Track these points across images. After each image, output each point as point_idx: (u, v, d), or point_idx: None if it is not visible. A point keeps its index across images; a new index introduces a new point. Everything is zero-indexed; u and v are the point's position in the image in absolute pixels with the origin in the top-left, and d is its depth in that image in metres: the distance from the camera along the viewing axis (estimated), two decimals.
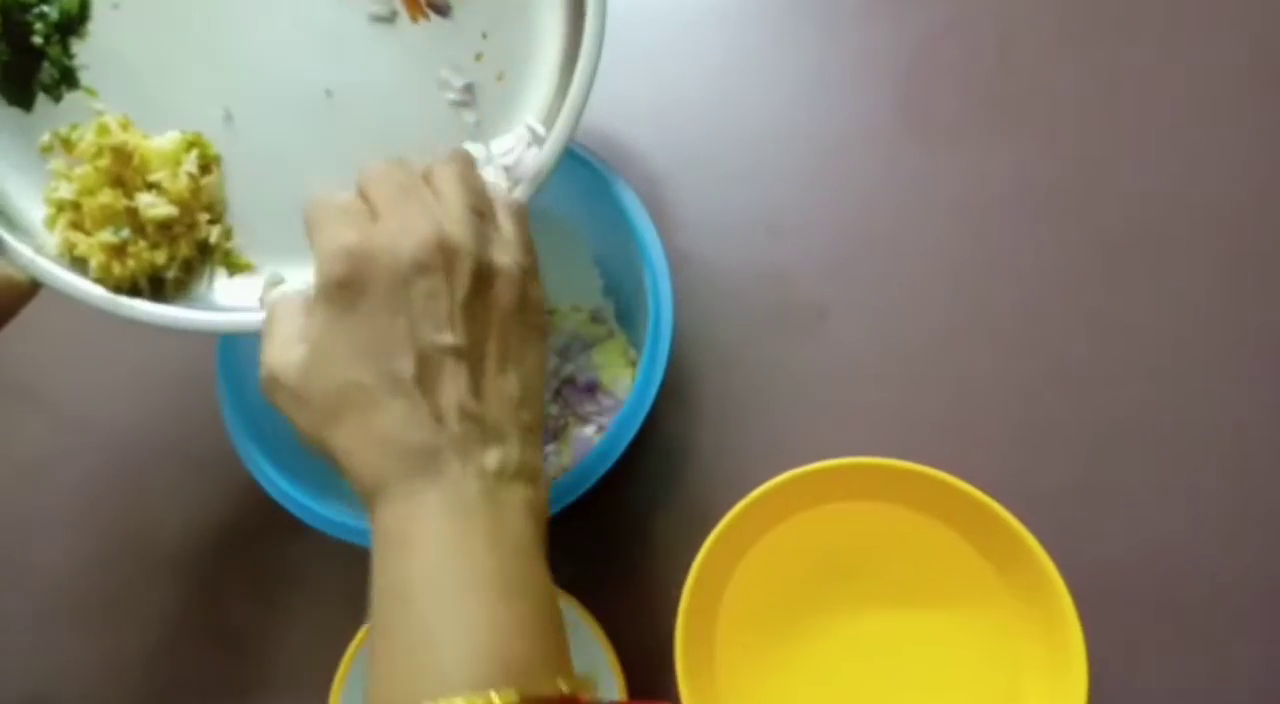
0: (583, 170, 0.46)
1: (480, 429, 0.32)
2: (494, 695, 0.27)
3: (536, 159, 0.37)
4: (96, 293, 0.37)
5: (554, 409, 0.50)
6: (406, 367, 0.31)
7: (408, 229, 0.31)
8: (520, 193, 0.37)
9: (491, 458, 0.32)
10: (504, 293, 0.33)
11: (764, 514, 0.45)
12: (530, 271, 0.34)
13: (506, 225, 0.34)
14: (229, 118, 0.38)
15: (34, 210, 0.37)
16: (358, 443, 0.31)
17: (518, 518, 0.32)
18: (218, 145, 0.38)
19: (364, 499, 0.32)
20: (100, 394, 0.57)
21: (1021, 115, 0.55)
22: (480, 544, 0.30)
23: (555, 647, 0.31)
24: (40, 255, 0.36)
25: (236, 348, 0.47)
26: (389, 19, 0.38)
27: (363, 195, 0.33)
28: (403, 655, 0.29)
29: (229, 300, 0.38)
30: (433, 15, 0.38)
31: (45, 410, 0.57)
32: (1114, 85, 0.55)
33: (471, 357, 0.32)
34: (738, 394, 0.52)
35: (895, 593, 0.46)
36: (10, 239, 0.36)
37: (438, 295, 0.31)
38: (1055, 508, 0.46)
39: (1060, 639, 0.41)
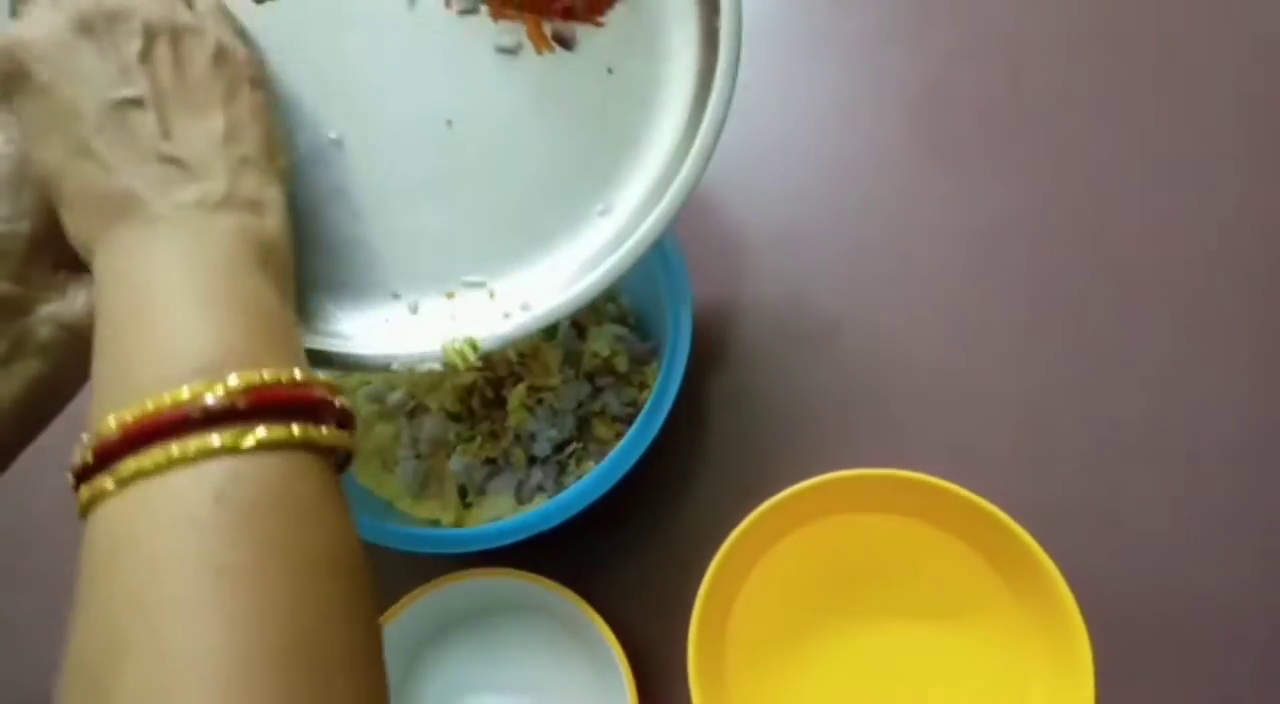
0: None
1: (179, 169, 0.32)
2: (219, 384, 0.26)
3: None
4: None
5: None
6: (87, 129, 0.31)
7: (56, 8, 0.32)
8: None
9: (190, 192, 0.31)
10: (192, 48, 0.33)
11: (776, 524, 0.45)
12: (219, 32, 0.35)
13: (201, 3, 0.35)
14: (339, 144, 0.38)
15: None
16: (69, 213, 0.32)
17: (223, 240, 0.31)
18: (333, 174, 0.38)
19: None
20: None
21: (1031, 140, 0.57)
22: (176, 266, 0.30)
23: (285, 346, 0.30)
24: None
25: None
26: (514, 50, 0.38)
27: None
28: (109, 368, 0.29)
29: (353, 330, 0.38)
30: (558, 48, 0.38)
31: None
32: (1124, 112, 0.57)
33: (157, 104, 0.32)
34: (752, 405, 0.53)
35: (905, 604, 0.46)
36: None
37: (106, 56, 0.32)
38: (1065, 523, 0.47)
39: (1068, 651, 0.41)
